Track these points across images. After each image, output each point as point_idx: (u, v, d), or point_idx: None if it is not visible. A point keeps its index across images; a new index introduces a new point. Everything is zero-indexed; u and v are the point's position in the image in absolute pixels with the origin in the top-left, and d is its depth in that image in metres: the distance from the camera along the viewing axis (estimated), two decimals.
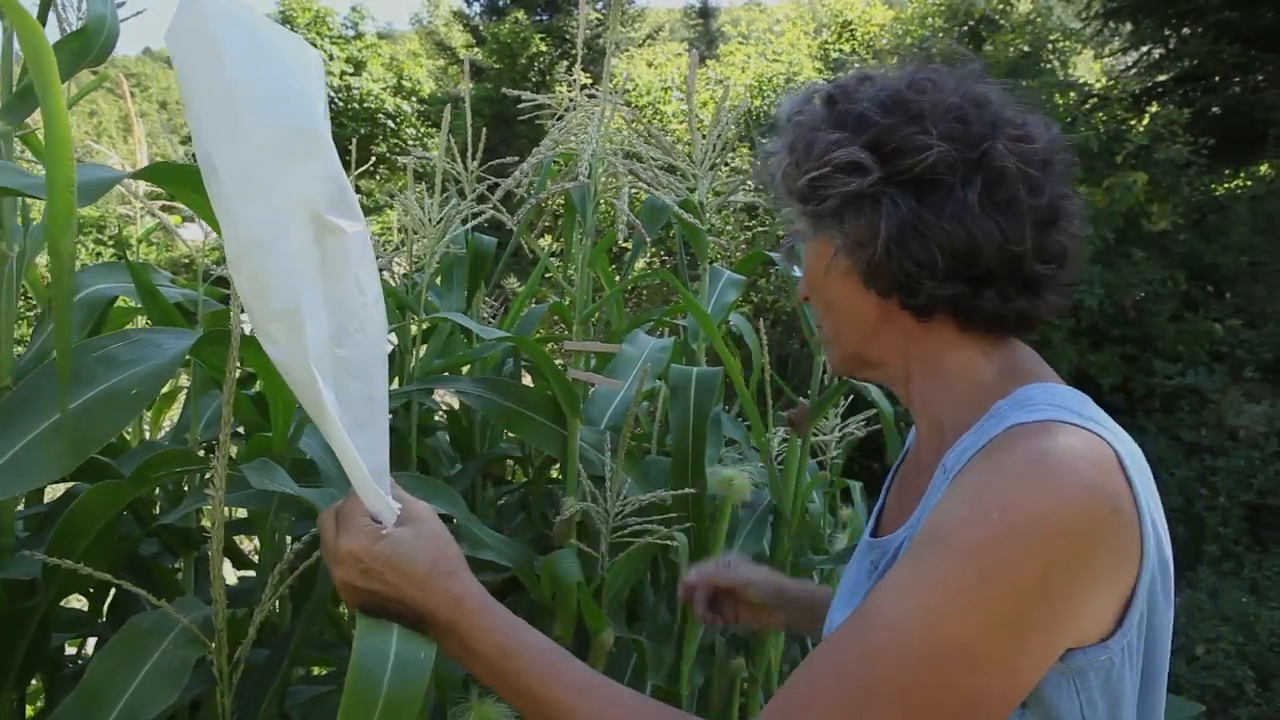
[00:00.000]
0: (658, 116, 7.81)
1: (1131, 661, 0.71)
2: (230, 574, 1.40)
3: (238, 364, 0.82)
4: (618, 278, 1.88)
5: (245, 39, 0.63)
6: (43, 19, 0.96)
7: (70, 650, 1.36)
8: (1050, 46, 7.90)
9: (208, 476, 0.77)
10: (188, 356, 1.03)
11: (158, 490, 1.24)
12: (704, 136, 1.42)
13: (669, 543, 1.21)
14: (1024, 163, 0.76)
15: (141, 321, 1.54)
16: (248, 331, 0.81)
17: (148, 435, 1.61)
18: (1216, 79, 7.11)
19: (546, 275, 1.63)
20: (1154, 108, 7.10)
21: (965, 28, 8.13)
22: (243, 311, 1.26)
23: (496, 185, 1.41)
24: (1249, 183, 7.06)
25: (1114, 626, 0.70)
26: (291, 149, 0.66)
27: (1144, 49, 7.61)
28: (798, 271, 0.90)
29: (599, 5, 13.66)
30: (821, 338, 0.91)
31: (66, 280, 0.63)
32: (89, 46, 0.93)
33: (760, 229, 6.40)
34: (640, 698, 0.75)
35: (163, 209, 1.49)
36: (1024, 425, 0.72)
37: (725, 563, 1.15)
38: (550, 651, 0.75)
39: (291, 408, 0.99)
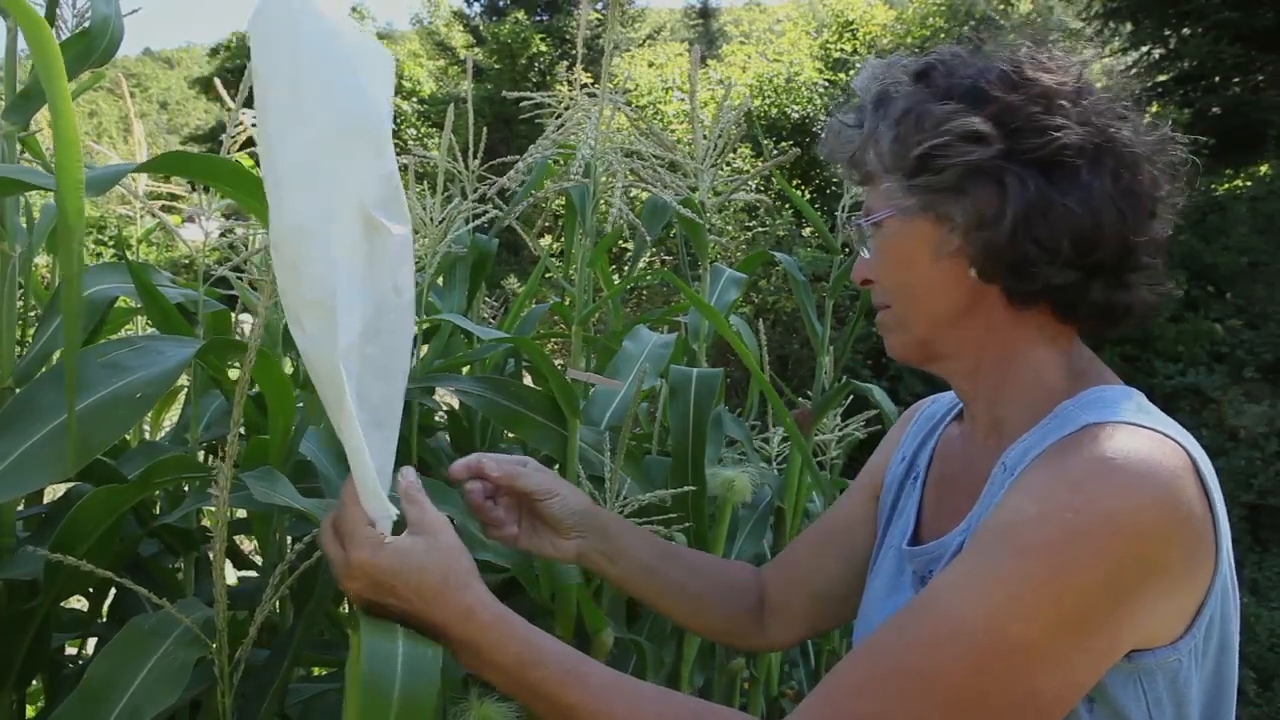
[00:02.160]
0: (658, 116, 7.82)
1: (1198, 663, 0.71)
2: (230, 574, 1.40)
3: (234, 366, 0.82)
4: (617, 278, 1.88)
5: (323, 32, 0.65)
6: (49, 21, 0.97)
7: (70, 650, 1.36)
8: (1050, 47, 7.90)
9: (211, 476, 0.77)
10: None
11: (158, 490, 1.24)
12: (705, 136, 1.42)
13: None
14: (1144, 151, 0.76)
15: (141, 322, 1.54)
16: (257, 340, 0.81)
17: (148, 435, 1.61)
18: (1216, 79, 7.12)
19: (547, 275, 1.63)
20: (1154, 108, 7.10)
21: (966, 28, 8.14)
22: (245, 312, 1.26)
23: (497, 185, 1.41)
24: (1249, 183, 7.07)
25: (1184, 630, 0.69)
26: (352, 143, 0.67)
27: (1144, 49, 7.61)
28: (866, 253, 0.85)
29: (599, 5, 13.66)
30: (888, 321, 0.85)
31: (76, 282, 0.63)
32: (93, 48, 0.93)
33: (760, 229, 6.40)
34: (663, 691, 0.75)
35: (163, 209, 1.49)
36: (1099, 425, 0.71)
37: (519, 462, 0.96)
38: (569, 656, 0.74)
39: (290, 413, 0.99)
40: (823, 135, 0.90)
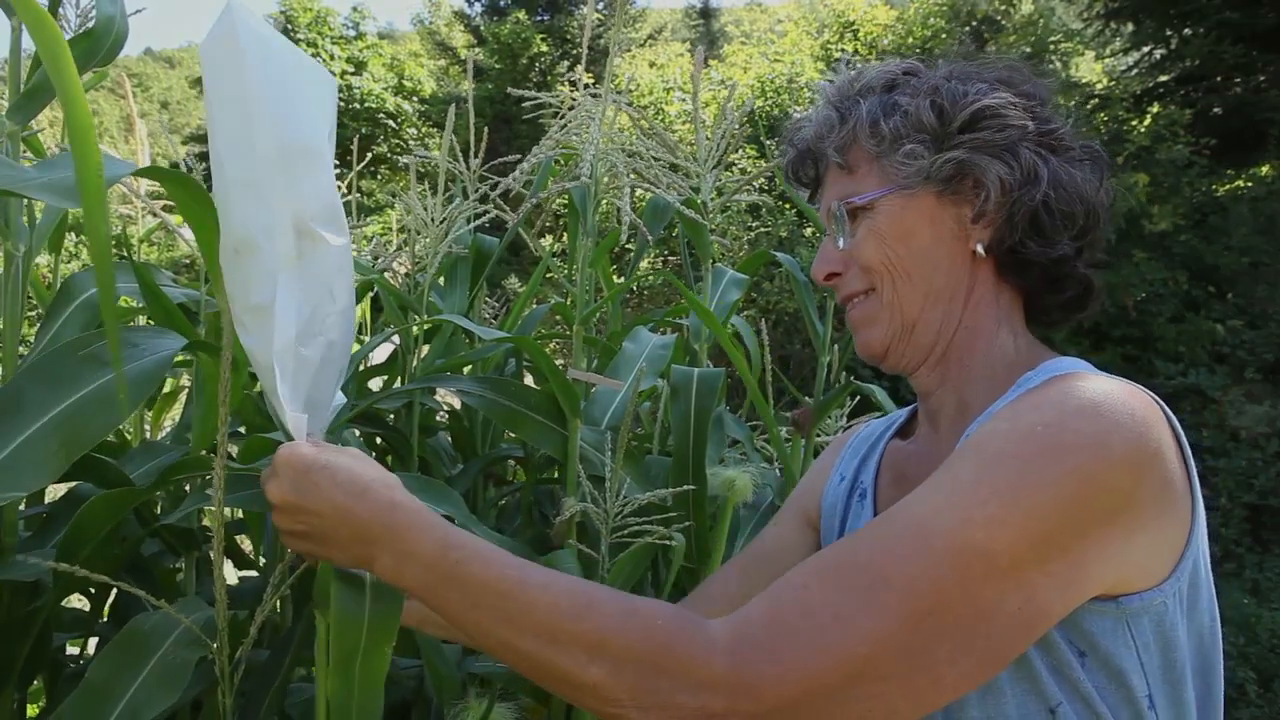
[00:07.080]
0: (660, 117, 7.82)
1: (1183, 609, 0.71)
2: (231, 574, 1.40)
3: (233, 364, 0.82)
4: (618, 278, 1.88)
5: (268, 58, 0.71)
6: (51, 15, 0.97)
7: (72, 650, 1.35)
8: (1052, 47, 7.91)
9: (208, 477, 0.77)
10: (189, 358, 1.03)
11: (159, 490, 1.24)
12: (708, 137, 1.41)
13: (669, 543, 1.21)
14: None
15: (142, 321, 1.54)
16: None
17: (148, 435, 1.61)
18: (1218, 79, 7.12)
19: (548, 275, 1.63)
20: (1155, 108, 7.11)
21: (968, 28, 8.14)
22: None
23: (499, 185, 1.41)
24: (1250, 183, 7.07)
25: (1168, 574, 0.69)
26: (292, 162, 0.72)
27: (1145, 50, 7.61)
28: (844, 241, 0.85)
29: (600, 5, 13.65)
30: (870, 310, 0.85)
31: (106, 262, 0.63)
32: (97, 47, 0.93)
33: (762, 229, 6.40)
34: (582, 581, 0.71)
35: (164, 209, 1.49)
36: (1068, 374, 0.72)
37: None
38: (488, 543, 0.71)
39: None
40: (792, 131, 0.94)
